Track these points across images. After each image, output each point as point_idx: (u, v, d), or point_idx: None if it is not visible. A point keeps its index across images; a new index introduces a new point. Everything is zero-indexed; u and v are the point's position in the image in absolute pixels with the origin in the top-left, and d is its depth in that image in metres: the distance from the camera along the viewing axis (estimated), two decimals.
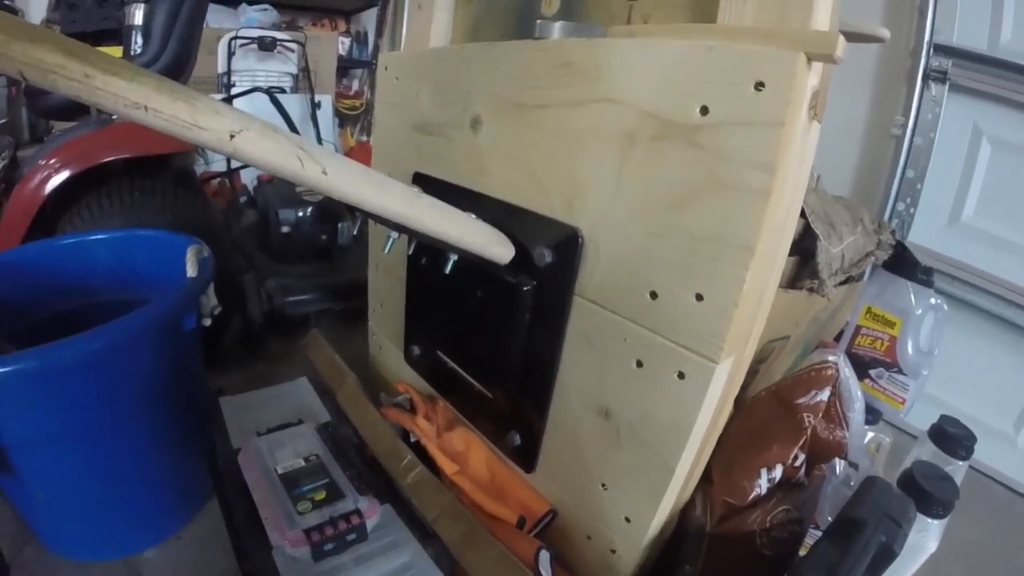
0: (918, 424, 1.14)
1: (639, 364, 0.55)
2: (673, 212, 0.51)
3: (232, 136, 0.43)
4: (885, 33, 0.76)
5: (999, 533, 1.12)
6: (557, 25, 0.60)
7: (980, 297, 1.29)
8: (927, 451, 0.74)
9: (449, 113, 0.73)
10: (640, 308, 0.54)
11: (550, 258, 0.60)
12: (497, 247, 0.60)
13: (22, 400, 0.67)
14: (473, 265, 0.64)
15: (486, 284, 0.67)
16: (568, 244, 0.59)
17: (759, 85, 0.44)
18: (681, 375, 0.52)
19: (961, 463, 0.71)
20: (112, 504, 0.81)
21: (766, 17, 0.49)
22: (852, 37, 0.79)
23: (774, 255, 0.52)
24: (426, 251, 0.75)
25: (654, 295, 0.53)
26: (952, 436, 0.71)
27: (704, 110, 0.48)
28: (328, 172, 0.48)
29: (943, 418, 0.74)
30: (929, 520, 0.60)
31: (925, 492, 0.59)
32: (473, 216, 0.60)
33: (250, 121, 0.44)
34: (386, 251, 0.63)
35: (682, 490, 0.61)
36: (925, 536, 0.60)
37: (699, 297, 0.50)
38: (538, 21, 0.61)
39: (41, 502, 0.77)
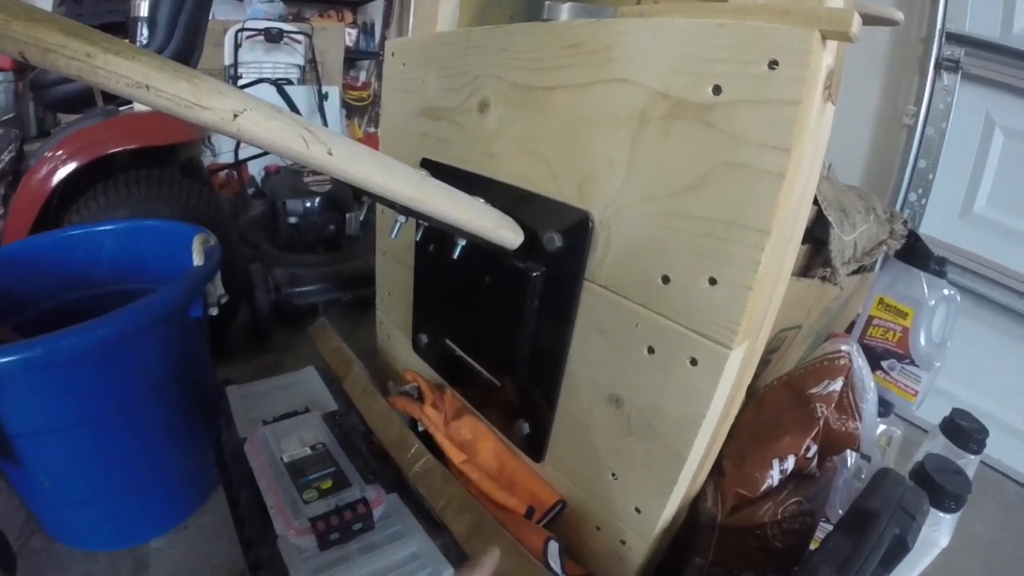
0: (928, 418, 1.13)
1: (651, 351, 0.54)
2: (686, 194, 0.50)
3: (236, 115, 0.42)
4: (899, 16, 0.74)
5: (1012, 529, 1.11)
6: (566, 6, 0.59)
7: (993, 289, 1.27)
8: (938, 444, 0.72)
9: (456, 98, 0.72)
10: (652, 293, 0.53)
11: (560, 243, 0.59)
12: (505, 231, 0.59)
13: (26, 389, 0.67)
14: (481, 251, 0.63)
15: (494, 270, 0.67)
16: (578, 228, 0.58)
17: (773, 64, 0.43)
18: (694, 361, 0.51)
19: (973, 457, 0.70)
20: (118, 493, 0.81)
21: None
22: (865, 20, 0.78)
23: (789, 239, 0.51)
24: (434, 237, 0.74)
25: (666, 279, 0.52)
26: (964, 430, 0.70)
27: (717, 89, 0.47)
28: (333, 153, 0.47)
29: (955, 411, 0.73)
30: (941, 514, 0.59)
31: (937, 485, 0.58)
32: (481, 200, 0.60)
33: (254, 101, 0.44)
34: (394, 235, 0.62)
35: (693, 480, 0.60)
36: (937, 531, 0.59)
37: (712, 281, 0.49)
38: (546, 3, 0.60)
39: (47, 491, 0.77)
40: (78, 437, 0.74)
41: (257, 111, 0.43)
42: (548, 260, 0.60)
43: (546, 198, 0.61)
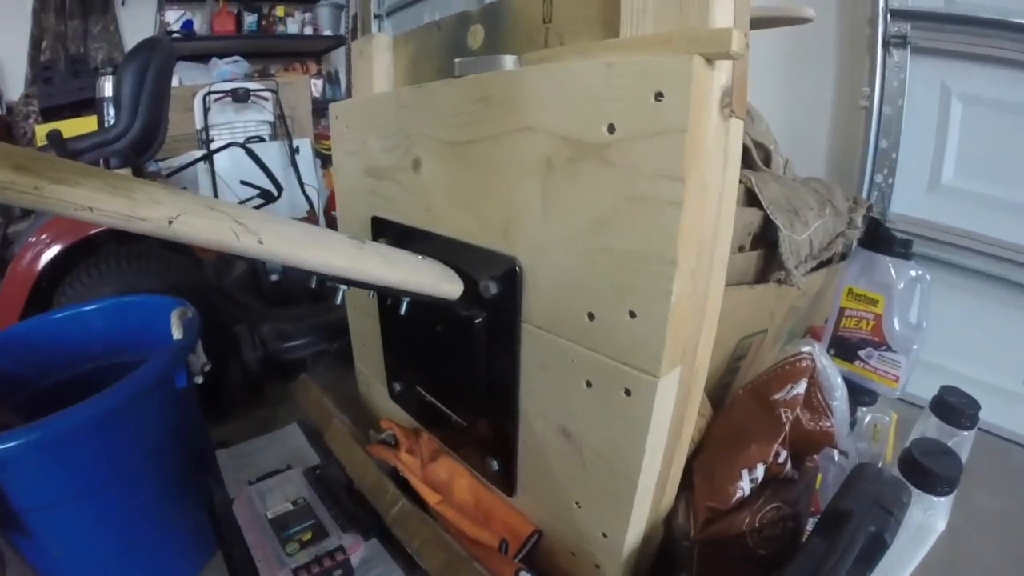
0: (928, 397, 1.12)
1: (588, 384, 0.56)
2: (596, 232, 0.51)
3: (171, 222, 0.45)
4: (810, 13, 0.76)
5: (1022, 499, 1.09)
6: (473, 61, 0.61)
7: (970, 258, 1.27)
8: (931, 425, 0.71)
9: (394, 157, 0.75)
10: (580, 330, 0.55)
11: (495, 289, 0.61)
12: (445, 284, 0.61)
13: (29, 467, 0.70)
14: (430, 302, 0.65)
15: (445, 319, 0.69)
16: (509, 274, 0.60)
17: (659, 95, 0.45)
18: (627, 392, 0.52)
19: (967, 433, 0.69)
20: (126, 557, 0.84)
21: (666, 23, 0.48)
22: (776, 22, 0.80)
23: (708, 262, 0.52)
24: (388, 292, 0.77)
25: (591, 316, 0.54)
26: (953, 407, 0.69)
27: (611, 128, 0.48)
28: (264, 241, 0.49)
29: (943, 389, 0.72)
30: (934, 499, 0.57)
31: (926, 470, 0.57)
32: (420, 257, 0.62)
33: (187, 204, 0.46)
34: (338, 301, 0.65)
35: (655, 501, 0.61)
36: (932, 515, 0.58)
37: (632, 314, 0.50)
38: (456, 60, 0.62)
39: (58, 560, 0.80)
40: (82, 507, 0.77)
41: (189, 213, 0.45)
42: (487, 306, 0.62)
43: (478, 247, 0.63)
